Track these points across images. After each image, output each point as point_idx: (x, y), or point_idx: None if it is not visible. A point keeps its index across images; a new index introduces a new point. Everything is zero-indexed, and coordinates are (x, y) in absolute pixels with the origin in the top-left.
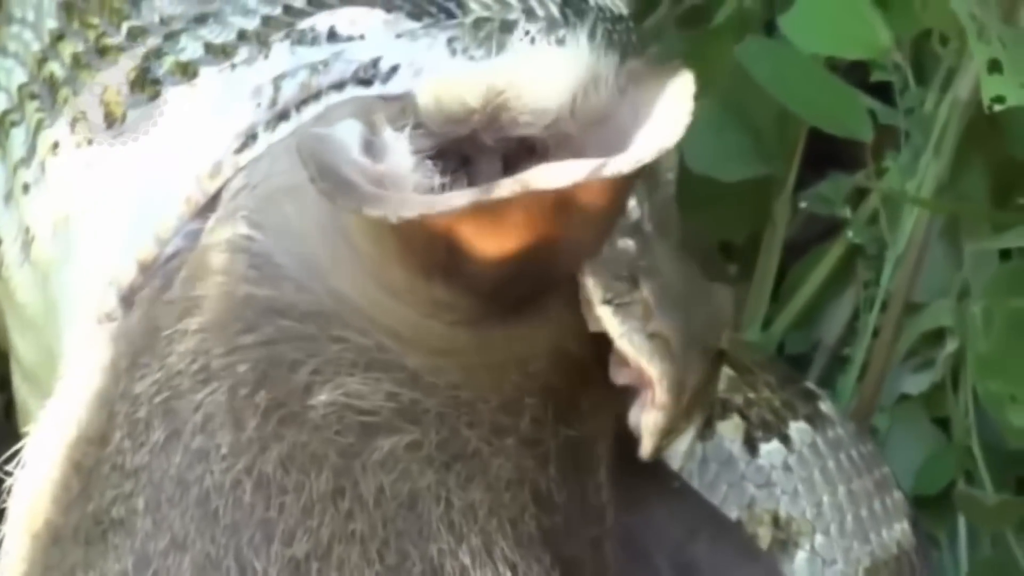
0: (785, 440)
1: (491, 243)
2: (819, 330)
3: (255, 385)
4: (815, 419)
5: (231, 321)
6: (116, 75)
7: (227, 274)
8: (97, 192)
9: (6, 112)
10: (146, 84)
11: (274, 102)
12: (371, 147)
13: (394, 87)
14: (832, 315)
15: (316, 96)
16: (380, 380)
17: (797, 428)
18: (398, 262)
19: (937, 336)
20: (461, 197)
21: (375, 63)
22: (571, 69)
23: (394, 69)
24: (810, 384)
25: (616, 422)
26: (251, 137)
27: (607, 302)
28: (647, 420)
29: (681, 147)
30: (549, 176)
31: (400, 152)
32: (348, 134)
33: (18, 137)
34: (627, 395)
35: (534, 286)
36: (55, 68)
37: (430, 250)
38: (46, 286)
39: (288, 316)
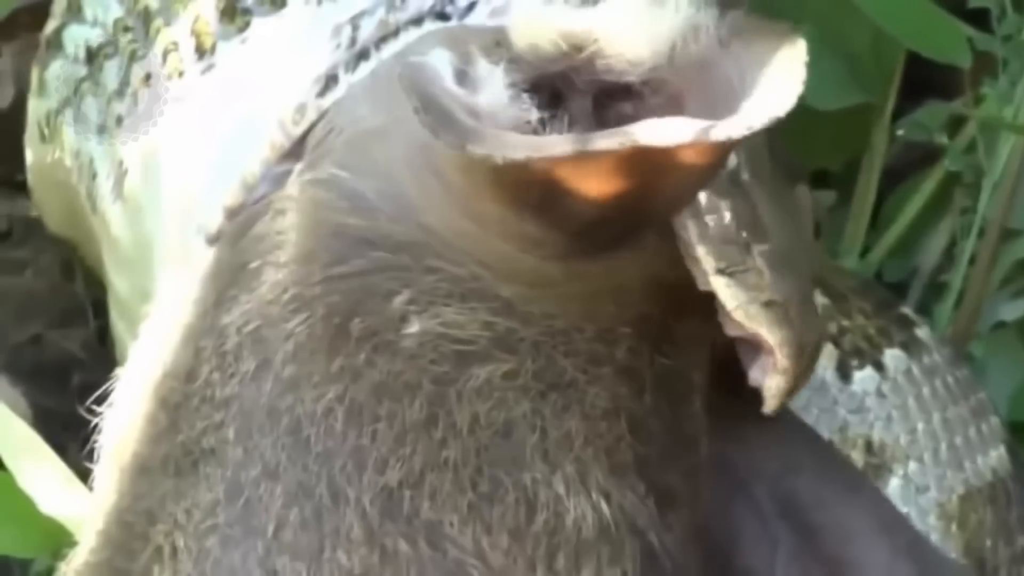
0: (879, 367)
1: (587, 187)
2: (917, 258)
3: (348, 314)
4: (910, 346)
5: (322, 252)
6: (207, 3)
7: (317, 207)
8: (186, 128)
9: (101, 46)
10: (236, 13)
11: (353, 41)
12: (464, 78)
13: (473, 22)
14: (929, 243)
15: (395, 33)
16: (476, 309)
17: (892, 355)
18: (490, 197)
19: None
20: (566, 144)
21: None
22: (669, 19)
23: (472, 5)
24: (907, 309)
25: (713, 349)
26: (332, 79)
27: (721, 272)
28: (770, 384)
29: None
30: (655, 133)
31: (495, 85)
32: (441, 63)
33: (112, 69)
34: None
35: (627, 227)
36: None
37: (524, 188)
38: (138, 223)
39: (381, 247)
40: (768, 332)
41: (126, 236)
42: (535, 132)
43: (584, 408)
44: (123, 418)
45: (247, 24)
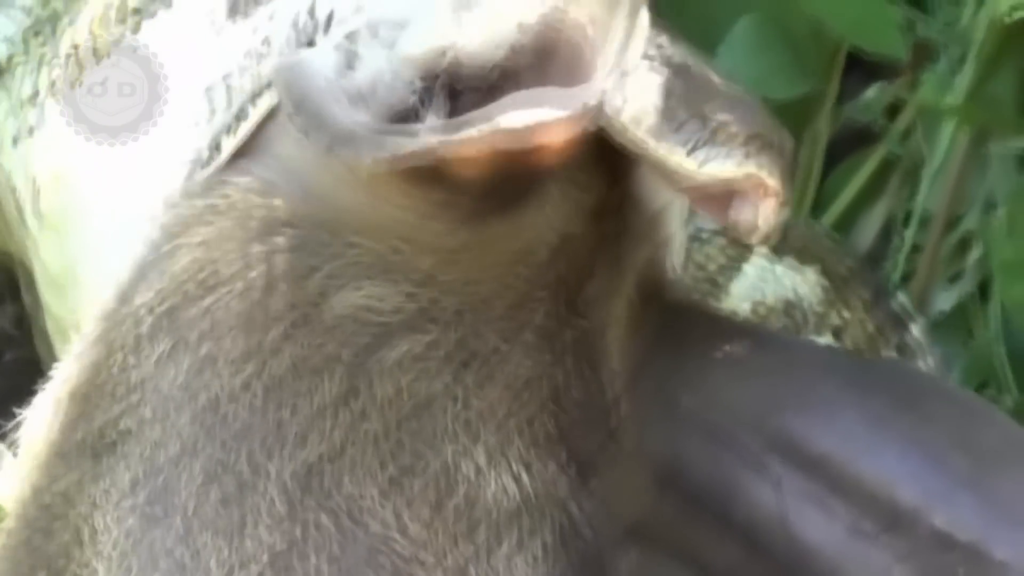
0: None
1: (468, 163)
2: (853, 239)
3: (267, 290)
4: (904, 350)
5: (239, 232)
6: (100, 5)
7: (235, 189)
8: (93, 151)
9: (11, 56)
10: (128, 14)
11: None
12: (352, 61)
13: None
14: (865, 225)
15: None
16: (397, 282)
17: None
18: (386, 176)
19: (963, 247)
20: (428, 138)
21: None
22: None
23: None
24: (901, 302)
25: (630, 304)
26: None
27: (692, 151)
28: (765, 211)
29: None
30: (513, 118)
31: (378, 66)
32: (323, 55)
33: (23, 74)
34: (639, 275)
35: (525, 179)
36: (57, 2)
37: (409, 169)
38: (62, 249)
39: (299, 226)
40: (760, 170)
41: (53, 261)
42: (416, 108)
43: (506, 378)
44: (40, 408)
45: (138, 26)
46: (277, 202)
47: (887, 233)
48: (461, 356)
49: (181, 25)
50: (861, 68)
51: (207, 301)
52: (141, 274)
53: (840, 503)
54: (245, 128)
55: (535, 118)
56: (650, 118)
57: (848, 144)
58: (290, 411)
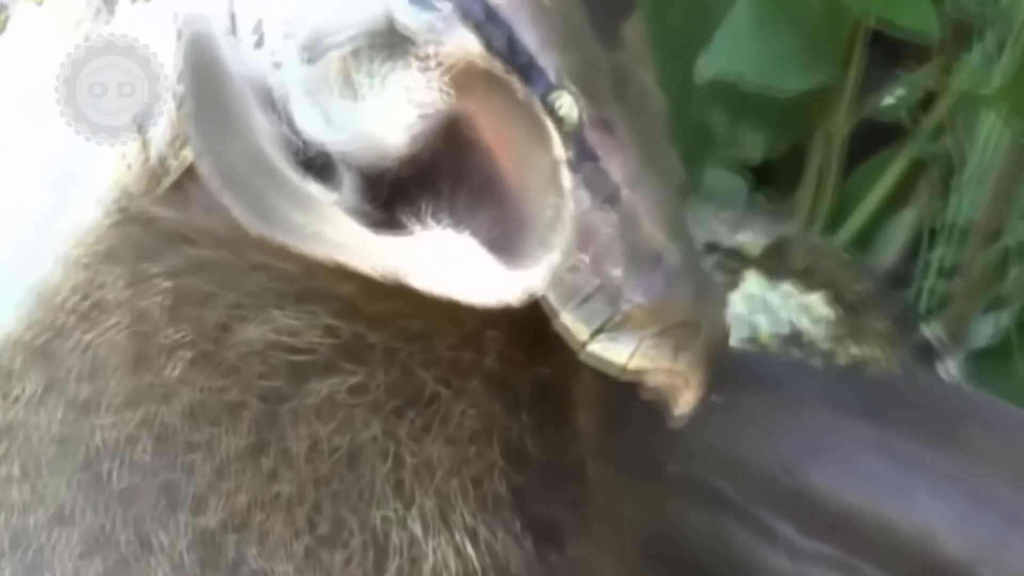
0: None
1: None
2: (874, 256)
3: (159, 322)
4: None
5: (129, 249)
6: None
7: (123, 196)
8: None
9: None
10: None
11: None
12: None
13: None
14: (888, 239)
15: None
16: (315, 312)
17: None
18: None
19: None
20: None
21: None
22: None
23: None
24: (930, 333)
25: None
26: None
27: (596, 334)
28: (684, 405)
29: (724, 58)
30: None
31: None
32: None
33: None
34: None
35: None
36: None
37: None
38: None
39: (198, 243)
40: (675, 365)
41: None
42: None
43: (448, 429)
44: None
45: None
46: (174, 213)
47: (915, 249)
48: (392, 403)
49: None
50: (885, 53)
51: (88, 335)
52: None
53: (870, 566)
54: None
55: (469, 296)
56: (555, 285)
57: (870, 143)
58: (185, 469)
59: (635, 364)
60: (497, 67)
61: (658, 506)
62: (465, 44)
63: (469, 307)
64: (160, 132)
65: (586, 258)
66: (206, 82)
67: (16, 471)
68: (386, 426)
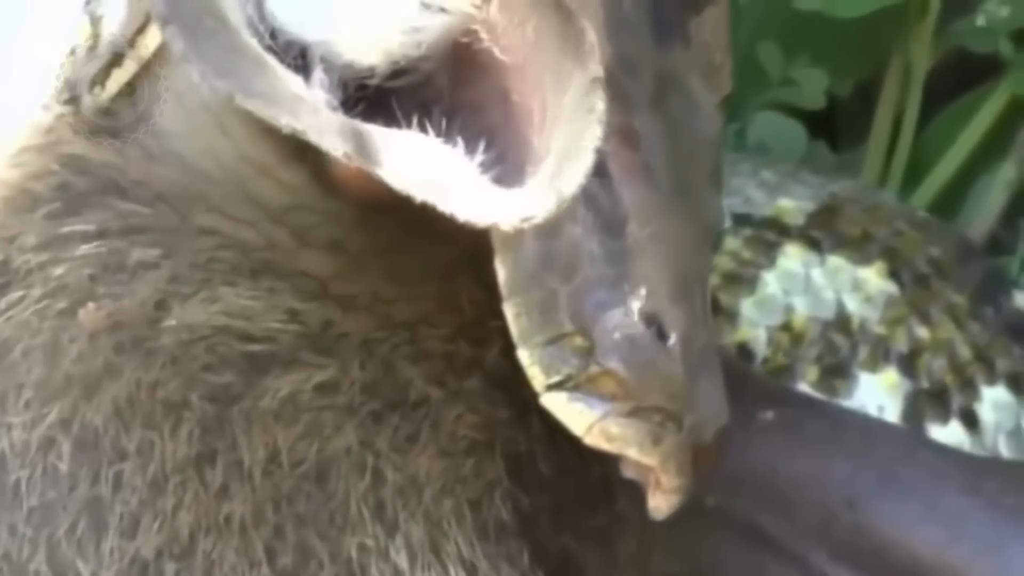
0: (969, 420)
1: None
2: (962, 219)
3: (78, 296)
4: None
5: (43, 200)
6: None
7: (37, 131)
8: None
9: None
10: None
11: None
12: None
13: None
14: (982, 198)
15: None
16: (275, 291)
17: (992, 399)
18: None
19: None
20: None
21: None
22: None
23: None
24: (1018, 303)
25: None
26: None
27: (557, 386)
28: (658, 504)
29: None
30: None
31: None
32: None
33: None
34: None
35: None
36: None
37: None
38: None
39: (132, 197)
40: (640, 453)
41: None
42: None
43: (440, 439)
44: None
45: None
46: (106, 156)
47: (1014, 210)
48: (370, 406)
49: None
50: None
51: None
52: None
53: None
54: (120, 76)
55: (451, 206)
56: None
57: (957, 80)
58: (112, 482)
59: (593, 439)
60: None
61: (693, 545)
62: None
63: (467, 291)
64: (114, 13)
65: (564, 290)
66: None
67: None
68: (363, 434)
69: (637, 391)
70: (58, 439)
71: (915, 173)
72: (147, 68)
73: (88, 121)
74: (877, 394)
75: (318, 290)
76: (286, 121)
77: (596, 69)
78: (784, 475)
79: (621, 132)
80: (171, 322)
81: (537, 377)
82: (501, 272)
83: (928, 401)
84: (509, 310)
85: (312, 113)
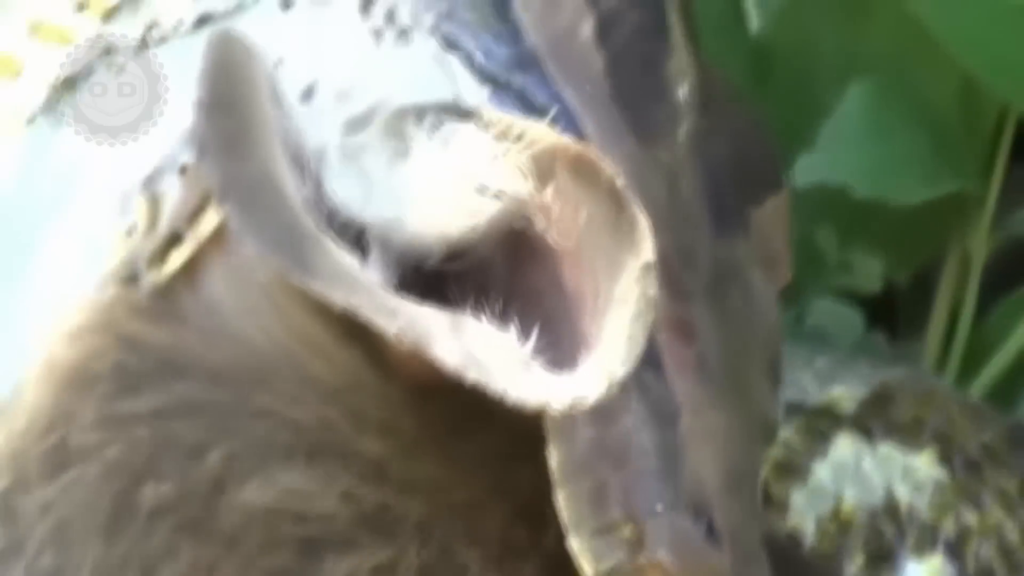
0: None
1: None
2: (1019, 407)
3: (136, 476)
4: None
5: (100, 379)
6: None
7: (94, 310)
8: None
9: None
10: None
11: None
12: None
13: None
14: None
15: None
16: (331, 473)
17: None
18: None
19: None
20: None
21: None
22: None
23: None
24: None
25: None
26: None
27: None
28: None
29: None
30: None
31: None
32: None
33: None
34: None
35: None
36: None
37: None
38: None
39: (188, 376)
40: None
41: None
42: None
43: None
44: None
45: None
46: (164, 334)
47: None
48: None
49: None
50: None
51: (51, 488)
52: None
53: None
54: (178, 256)
55: (509, 393)
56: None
57: (1016, 269)
58: None
59: None
60: (591, 152)
61: None
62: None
63: (523, 475)
64: (174, 193)
65: (615, 480)
66: (230, 86)
67: None
68: None
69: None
70: None
71: (972, 363)
72: (205, 248)
73: (145, 300)
74: None
75: (374, 472)
76: (339, 298)
77: (648, 256)
78: None
79: (676, 324)
80: (228, 503)
81: (587, 566)
82: (554, 459)
83: None
84: (561, 497)
85: (365, 292)
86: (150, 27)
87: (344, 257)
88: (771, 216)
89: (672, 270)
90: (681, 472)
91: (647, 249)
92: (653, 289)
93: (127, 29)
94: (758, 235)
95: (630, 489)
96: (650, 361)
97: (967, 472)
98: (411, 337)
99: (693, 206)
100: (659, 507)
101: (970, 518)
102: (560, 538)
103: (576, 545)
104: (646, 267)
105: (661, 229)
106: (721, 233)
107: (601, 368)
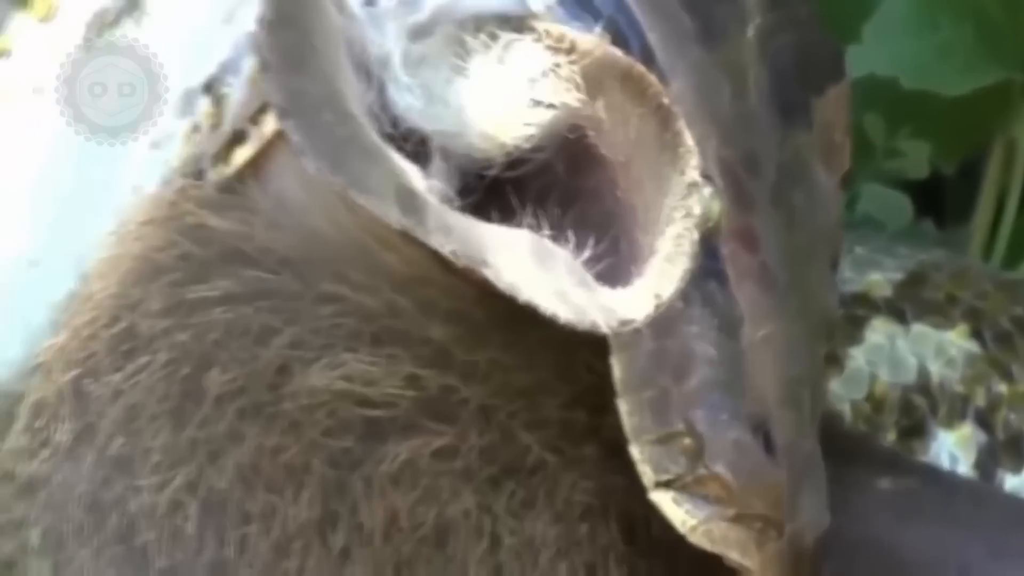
0: None
1: None
2: None
3: (203, 362)
4: None
5: (171, 264)
6: None
7: (158, 205)
8: None
9: None
10: None
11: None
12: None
13: None
14: None
15: None
16: (395, 357)
17: None
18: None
19: None
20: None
21: None
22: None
23: None
24: None
25: None
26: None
27: (664, 485)
28: None
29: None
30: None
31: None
32: None
33: None
34: None
35: None
36: None
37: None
38: None
39: (256, 264)
40: (741, 556)
41: None
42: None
43: (556, 504)
44: None
45: None
46: (231, 224)
47: None
48: (488, 471)
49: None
50: None
51: (120, 375)
52: (52, 317)
53: None
54: (242, 153)
55: (555, 309)
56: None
57: None
58: (237, 546)
59: (696, 539)
60: (639, 68)
61: None
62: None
63: (585, 360)
64: (237, 94)
65: (676, 390)
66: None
67: (36, 540)
68: (480, 498)
69: (741, 498)
70: (185, 502)
71: (1018, 248)
72: (272, 145)
73: (212, 193)
74: (950, 447)
75: (438, 357)
76: (395, 218)
77: (693, 174)
78: (899, 543)
79: (740, 233)
80: (293, 387)
81: (646, 474)
82: (616, 369)
83: (1003, 451)
84: (623, 406)
85: (422, 210)
86: None
87: (405, 168)
88: (833, 105)
89: (738, 180)
90: (743, 383)
91: (692, 167)
92: (699, 208)
93: None
94: (820, 126)
95: (690, 399)
96: (713, 272)
97: (998, 344)
98: (464, 256)
99: (759, 108)
100: (724, 416)
101: (1000, 388)
102: (619, 422)
103: (636, 453)
104: (691, 186)
105: (726, 141)
106: (787, 128)
107: (648, 289)
